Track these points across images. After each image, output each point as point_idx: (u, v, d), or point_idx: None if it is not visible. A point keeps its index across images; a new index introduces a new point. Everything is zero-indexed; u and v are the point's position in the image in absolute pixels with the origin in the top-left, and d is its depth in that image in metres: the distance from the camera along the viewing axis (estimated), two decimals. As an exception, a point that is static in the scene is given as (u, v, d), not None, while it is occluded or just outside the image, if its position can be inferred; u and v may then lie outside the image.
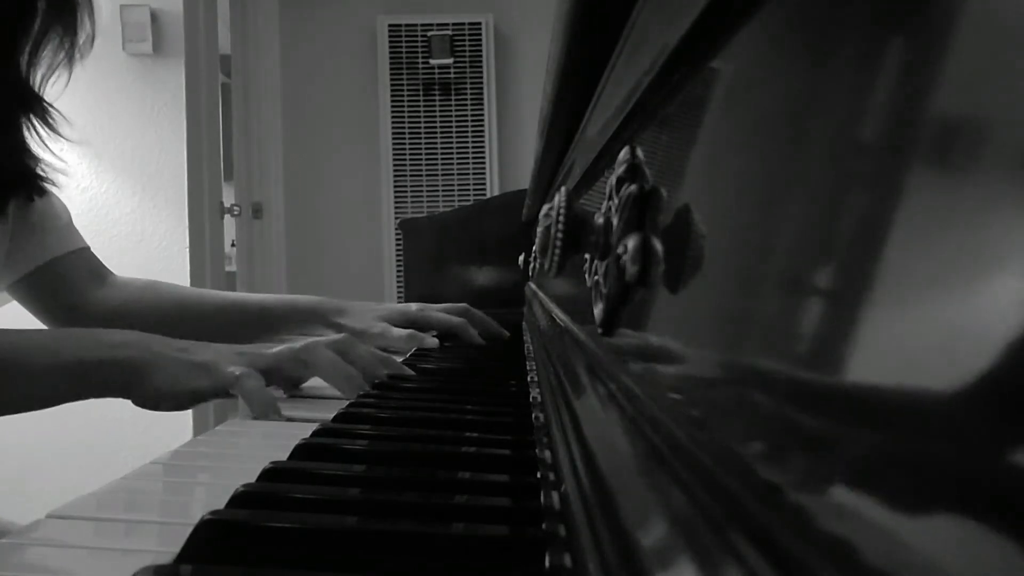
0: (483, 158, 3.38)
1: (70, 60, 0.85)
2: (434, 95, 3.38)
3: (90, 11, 0.84)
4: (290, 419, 0.60)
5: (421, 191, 3.40)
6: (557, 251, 0.39)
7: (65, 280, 0.94)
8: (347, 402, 0.59)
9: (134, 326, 0.66)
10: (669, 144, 0.34)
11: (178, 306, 0.97)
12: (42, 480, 2.32)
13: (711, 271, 0.25)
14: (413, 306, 1.01)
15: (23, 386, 0.61)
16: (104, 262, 1.03)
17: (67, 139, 0.89)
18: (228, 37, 3.14)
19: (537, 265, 0.75)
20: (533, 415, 0.53)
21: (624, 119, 0.43)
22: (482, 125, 3.38)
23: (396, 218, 3.29)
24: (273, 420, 0.59)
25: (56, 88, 0.86)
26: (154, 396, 0.61)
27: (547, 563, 0.28)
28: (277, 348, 0.64)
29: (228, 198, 2.88)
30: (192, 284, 2.37)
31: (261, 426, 0.60)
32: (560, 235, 0.39)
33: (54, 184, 0.90)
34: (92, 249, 1.01)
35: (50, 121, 0.87)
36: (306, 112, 3.47)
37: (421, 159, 3.39)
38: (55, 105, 0.88)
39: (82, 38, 0.85)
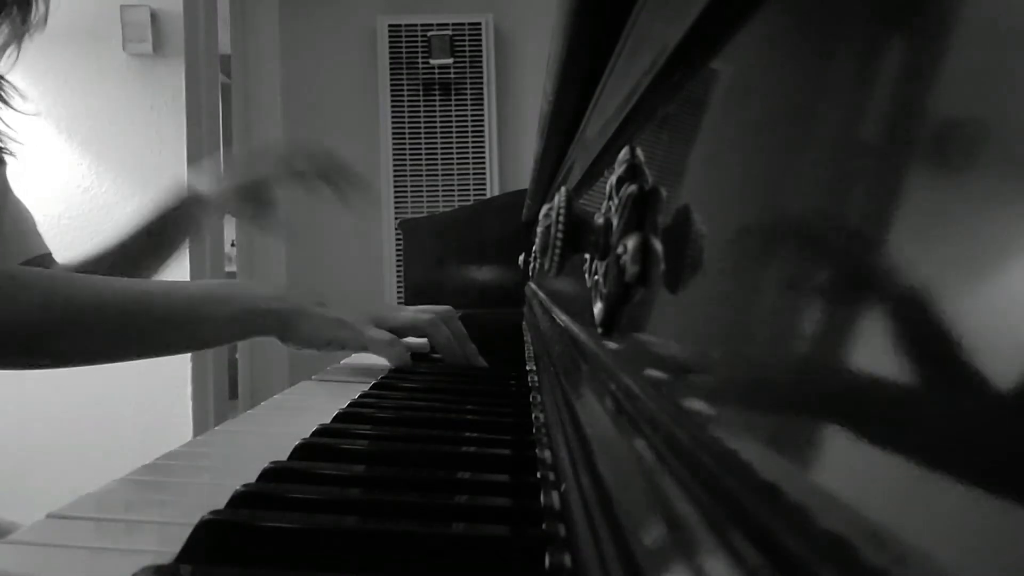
0: (483, 158, 3.38)
1: (19, 37, 0.91)
2: (434, 95, 3.38)
3: None
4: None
5: (421, 191, 3.40)
6: (557, 251, 0.39)
7: None
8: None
9: None
10: (669, 144, 0.34)
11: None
12: (42, 480, 2.32)
13: (711, 271, 0.25)
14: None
15: (205, 331, 0.72)
16: None
17: (18, 111, 0.94)
18: (228, 37, 3.14)
19: (537, 265, 0.75)
20: (533, 415, 0.53)
21: (624, 119, 0.43)
22: (482, 125, 3.38)
23: (396, 218, 3.29)
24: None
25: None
26: (301, 341, 0.74)
27: (547, 563, 0.28)
28: (404, 315, 0.78)
29: (228, 198, 2.88)
30: (192, 284, 2.37)
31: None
32: (560, 235, 0.39)
33: (10, 154, 0.95)
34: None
35: (2, 94, 0.92)
36: (306, 112, 3.47)
37: (421, 159, 3.39)
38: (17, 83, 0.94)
39: (35, 16, 0.91)
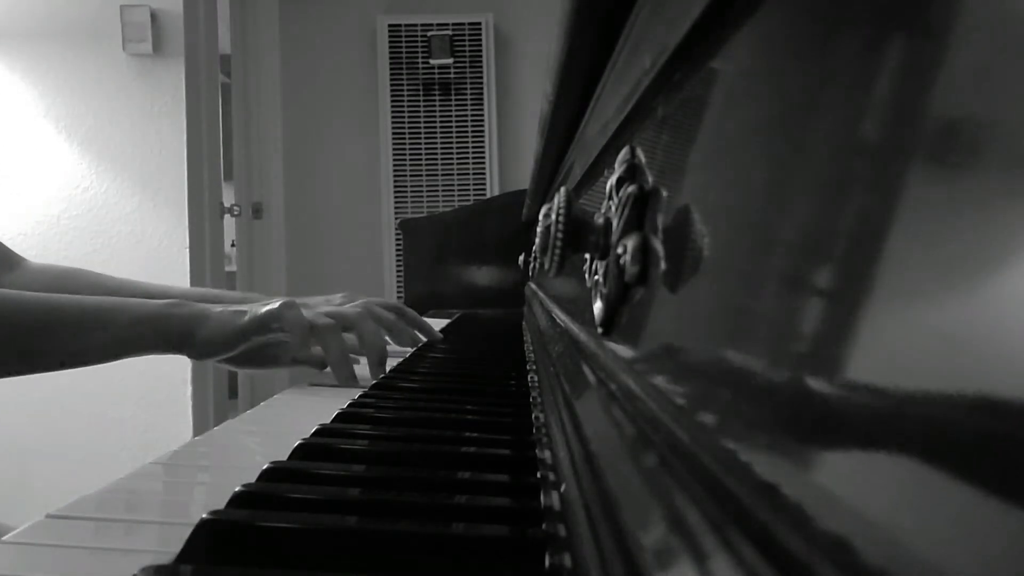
0: (483, 158, 3.38)
1: None
2: (434, 95, 3.37)
3: None
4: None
5: (421, 191, 3.40)
6: (557, 251, 0.39)
7: None
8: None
9: None
10: (669, 144, 0.34)
11: (99, 292, 0.96)
12: (42, 480, 2.32)
13: (711, 271, 0.25)
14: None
15: (96, 339, 0.70)
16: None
17: None
18: (228, 37, 3.14)
19: (537, 265, 0.75)
20: (533, 415, 0.53)
21: (624, 119, 0.43)
22: (482, 125, 3.38)
23: (396, 218, 3.29)
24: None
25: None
26: (205, 344, 0.71)
27: (547, 563, 0.28)
28: (327, 308, 0.76)
29: (228, 198, 2.88)
30: (192, 284, 2.37)
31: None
32: (560, 235, 0.39)
33: None
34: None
35: None
36: (306, 112, 3.47)
37: (421, 159, 3.39)
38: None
39: None
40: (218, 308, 0.73)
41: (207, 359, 0.73)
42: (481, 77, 3.36)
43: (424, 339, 1.01)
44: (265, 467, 0.38)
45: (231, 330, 0.71)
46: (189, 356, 0.73)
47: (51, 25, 2.33)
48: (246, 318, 0.71)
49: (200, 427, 2.39)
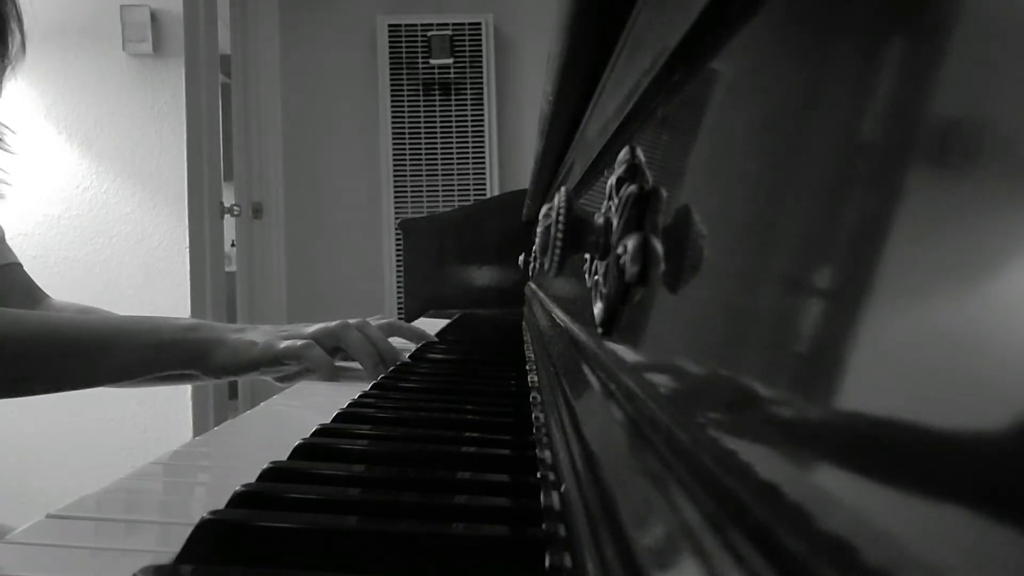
0: (483, 158, 3.38)
1: (2, 73, 0.92)
2: (434, 95, 3.38)
3: (17, 21, 0.91)
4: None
5: (421, 191, 3.40)
6: (557, 251, 0.39)
7: None
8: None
9: None
10: (669, 144, 0.34)
11: None
12: (42, 480, 2.32)
13: (711, 271, 0.25)
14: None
15: (116, 360, 0.75)
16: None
17: (10, 151, 0.96)
18: (228, 37, 3.14)
19: (537, 265, 0.75)
20: (533, 415, 0.53)
21: (624, 119, 0.43)
22: (482, 125, 3.38)
23: (396, 218, 3.29)
24: (333, 381, 0.77)
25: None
26: (219, 368, 0.76)
27: (547, 563, 0.28)
28: (314, 327, 0.80)
29: (228, 198, 2.88)
30: (192, 284, 2.37)
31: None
32: (560, 235, 0.39)
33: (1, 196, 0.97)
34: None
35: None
36: (306, 112, 3.47)
37: (421, 159, 3.39)
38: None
39: (13, 49, 0.92)
40: (234, 335, 0.78)
41: (219, 379, 0.79)
42: (481, 77, 3.36)
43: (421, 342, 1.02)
44: (265, 467, 0.38)
45: (243, 359, 0.76)
46: (203, 375, 0.77)
47: (51, 25, 2.33)
48: (257, 350, 0.76)
49: (200, 427, 2.39)
